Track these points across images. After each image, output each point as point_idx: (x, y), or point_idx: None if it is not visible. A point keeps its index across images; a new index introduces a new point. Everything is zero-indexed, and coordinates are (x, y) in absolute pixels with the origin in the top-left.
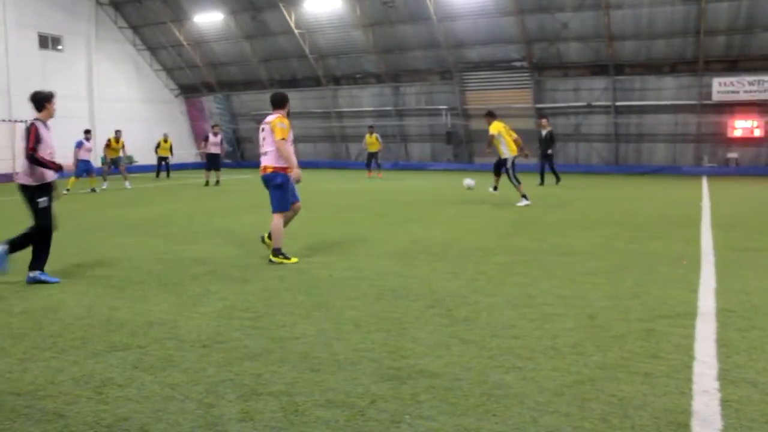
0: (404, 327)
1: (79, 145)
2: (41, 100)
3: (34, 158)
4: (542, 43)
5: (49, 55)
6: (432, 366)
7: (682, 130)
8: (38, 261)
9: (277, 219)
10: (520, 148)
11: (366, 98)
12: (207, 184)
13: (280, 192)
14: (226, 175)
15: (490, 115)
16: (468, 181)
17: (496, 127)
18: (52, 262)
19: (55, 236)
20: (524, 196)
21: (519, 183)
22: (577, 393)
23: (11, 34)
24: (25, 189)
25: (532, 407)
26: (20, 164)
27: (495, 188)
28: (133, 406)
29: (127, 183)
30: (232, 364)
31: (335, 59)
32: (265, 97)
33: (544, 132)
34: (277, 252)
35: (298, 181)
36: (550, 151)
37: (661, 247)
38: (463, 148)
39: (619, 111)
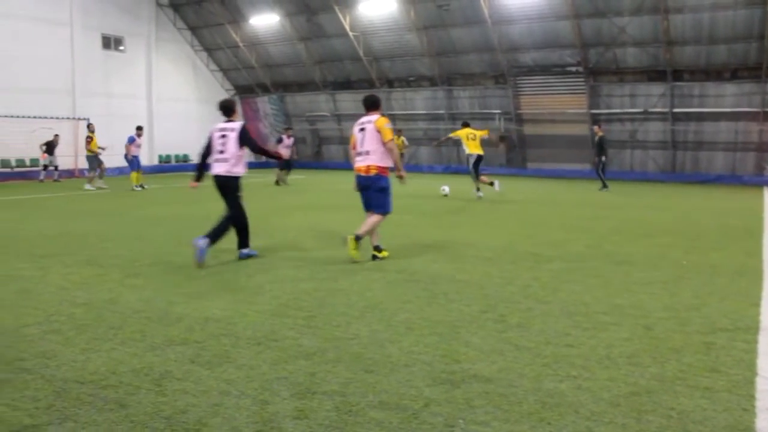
0: (457, 331)
1: (131, 140)
2: (233, 107)
3: (263, 150)
4: (598, 48)
5: (111, 56)
6: (486, 371)
7: (743, 138)
8: (244, 241)
9: (379, 218)
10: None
11: (419, 101)
12: (278, 183)
13: (384, 194)
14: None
15: (464, 125)
16: (444, 188)
17: (456, 133)
18: (108, 257)
19: (114, 232)
20: (478, 189)
21: (477, 178)
22: (633, 404)
23: (77, 35)
24: (231, 180)
25: (587, 417)
26: (230, 158)
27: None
28: (190, 399)
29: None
30: (287, 362)
31: (389, 62)
32: (319, 98)
33: (596, 138)
34: (378, 247)
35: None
36: (603, 158)
37: (720, 259)
38: (516, 152)
39: (676, 118)
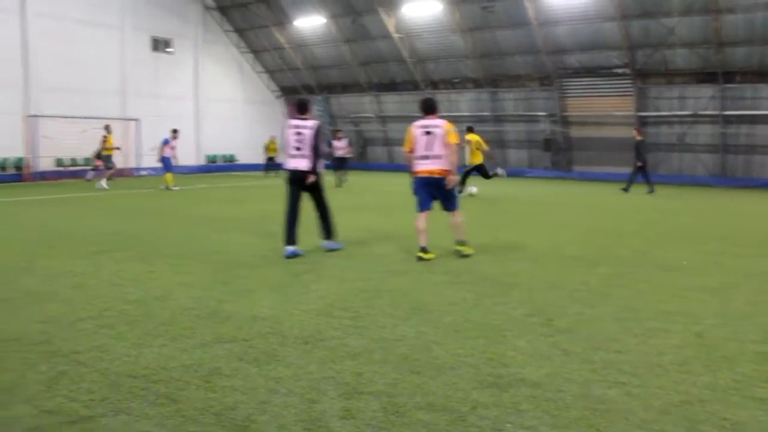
0: (504, 334)
1: (166, 142)
2: (309, 105)
3: (324, 153)
4: (646, 49)
5: (160, 57)
6: (533, 375)
7: None
8: (330, 233)
9: (460, 214)
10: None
11: (463, 103)
12: (338, 185)
13: (452, 192)
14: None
15: (470, 129)
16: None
17: (473, 137)
18: (158, 255)
19: (164, 230)
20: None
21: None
22: (685, 413)
23: (127, 37)
24: (316, 174)
25: (637, 425)
26: (308, 154)
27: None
28: (239, 396)
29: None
30: (334, 362)
31: (433, 63)
32: (364, 99)
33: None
34: (464, 243)
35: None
36: (639, 163)
37: None
38: (561, 155)
39: (727, 120)
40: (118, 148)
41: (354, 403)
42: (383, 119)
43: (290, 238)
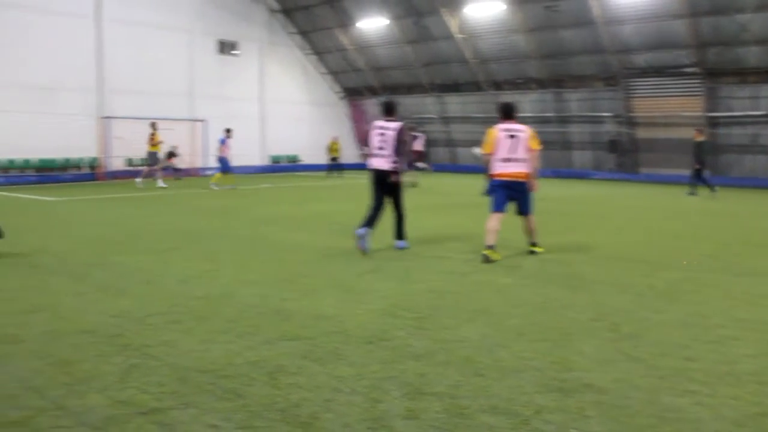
0: (569, 338)
1: (223, 142)
2: (395, 107)
3: (407, 154)
4: (717, 48)
5: (226, 60)
6: (599, 381)
7: None
8: (402, 233)
9: (533, 218)
10: None
11: (527, 104)
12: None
13: (532, 197)
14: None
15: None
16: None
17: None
18: (223, 253)
19: (229, 229)
20: None
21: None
22: (762, 426)
23: (196, 40)
24: (396, 175)
25: None
26: (390, 155)
27: None
28: (303, 393)
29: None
30: (397, 362)
31: (496, 64)
32: (426, 100)
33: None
34: (535, 243)
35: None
36: (698, 165)
37: None
38: (627, 157)
39: None
40: (161, 142)
41: (417, 404)
42: (446, 120)
43: (367, 222)
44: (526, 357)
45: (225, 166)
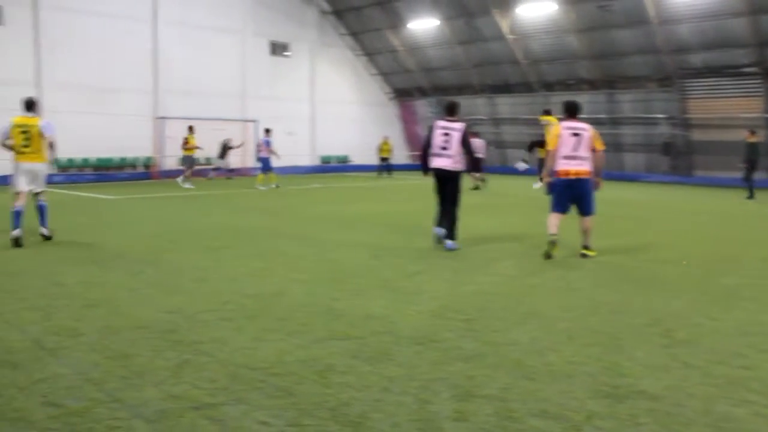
0: (620, 343)
1: (268, 143)
2: (457, 108)
3: (472, 155)
4: None
5: (277, 61)
6: (652, 388)
7: None
8: (453, 233)
9: (593, 220)
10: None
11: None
12: (477, 188)
13: (593, 197)
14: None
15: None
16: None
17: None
18: (274, 252)
19: (280, 228)
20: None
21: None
22: None
23: (248, 42)
24: (454, 173)
25: None
26: (454, 154)
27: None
28: (353, 393)
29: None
30: (446, 364)
31: (548, 65)
32: (477, 101)
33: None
34: (588, 246)
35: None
36: (747, 166)
37: None
38: (682, 160)
39: None
40: (198, 147)
41: (467, 406)
42: (496, 121)
43: (441, 220)
44: (576, 361)
45: (266, 166)
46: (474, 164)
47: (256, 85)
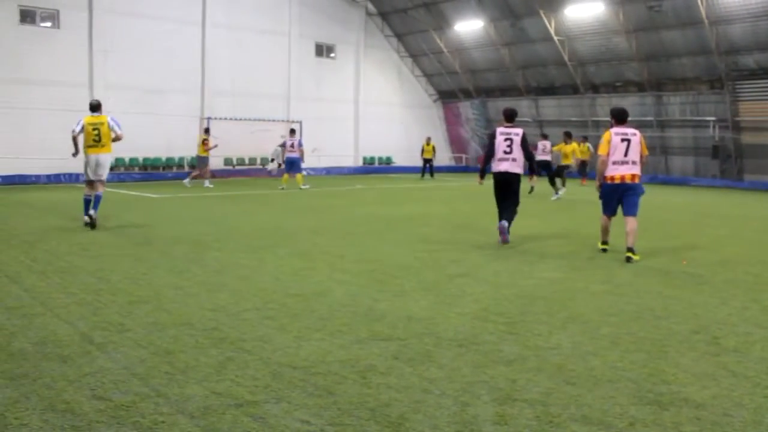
0: (665, 350)
1: (301, 144)
2: (516, 114)
3: (532, 158)
4: None
5: (323, 62)
6: (697, 396)
7: None
8: (510, 224)
9: (637, 221)
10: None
11: (626, 107)
12: (531, 190)
13: (637, 199)
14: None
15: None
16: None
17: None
18: (317, 252)
19: (323, 228)
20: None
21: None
22: None
23: (293, 44)
24: (515, 176)
25: None
26: (516, 158)
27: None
28: (393, 394)
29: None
30: (487, 367)
31: (594, 66)
32: (522, 103)
33: None
34: (634, 250)
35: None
36: None
37: None
38: (731, 163)
39: None
40: (215, 146)
41: (507, 410)
42: (541, 123)
43: (502, 215)
44: (620, 367)
45: (290, 167)
46: (532, 167)
47: (301, 87)
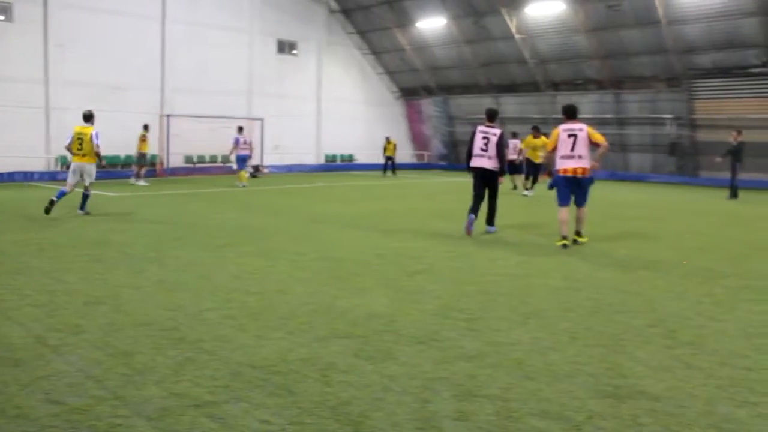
0: (622, 344)
1: (237, 141)
2: (496, 114)
3: (503, 157)
4: None
5: (284, 59)
6: (653, 388)
7: None
8: (492, 219)
9: (586, 210)
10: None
11: (585, 105)
12: (515, 188)
13: (587, 190)
14: (442, 177)
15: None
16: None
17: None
18: (277, 251)
19: (283, 226)
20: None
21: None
22: None
23: (255, 41)
24: (493, 172)
25: None
26: (492, 156)
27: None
28: (354, 392)
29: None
30: (448, 363)
31: (555, 64)
32: (483, 101)
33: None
34: (581, 234)
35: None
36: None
37: None
38: (688, 160)
39: None
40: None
41: (467, 406)
42: (502, 121)
43: (473, 210)
44: (578, 361)
45: (243, 164)
46: (503, 167)
47: (263, 84)
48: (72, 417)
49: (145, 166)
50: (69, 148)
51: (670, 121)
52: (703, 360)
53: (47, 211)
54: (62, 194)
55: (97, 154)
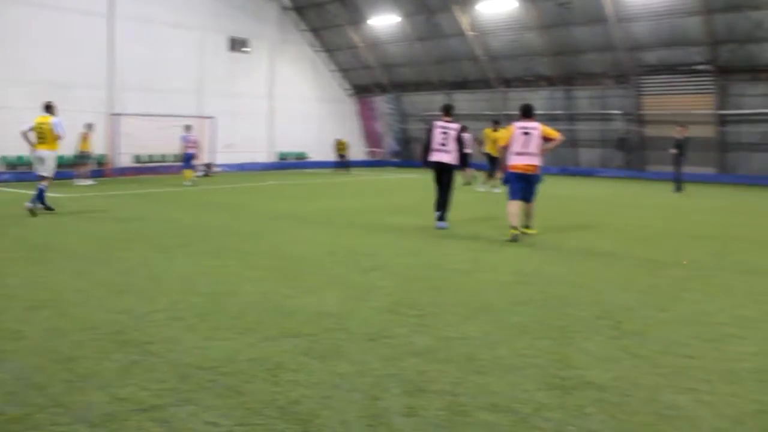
0: (571, 336)
1: (186, 138)
2: (452, 109)
3: (463, 151)
4: (730, 45)
5: (236, 57)
6: (599, 378)
7: None
8: (444, 215)
9: (534, 205)
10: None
11: (537, 101)
12: (468, 183)
13: (537, 186)
14: (395, 174)
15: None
16: None
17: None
18: (228, 250)
19: (235, 225)
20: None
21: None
22: (761, 424)
23: (207, 38)
24: (450, 167)
25: None
26: (451, 151)
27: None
28: (303, 390)
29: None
30: (398, 360)
31: (507, 61)
32: (436, 98)
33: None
34: (530, 227)
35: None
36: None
37: None
38: (635, 155)
39: None
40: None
41: (417, 401)
42: (455, 118)
43: (439, 206)
44: (527, 354)
45: (188, 163)
46: (463, 160)
47: (214, 82)
48: (8, 427)
49: (87, 165)
50: (26, 137)
51: (619, 117)
52: (648, 349)
53: (49, 209)
54: (42, 192)
55: (58, 139)
